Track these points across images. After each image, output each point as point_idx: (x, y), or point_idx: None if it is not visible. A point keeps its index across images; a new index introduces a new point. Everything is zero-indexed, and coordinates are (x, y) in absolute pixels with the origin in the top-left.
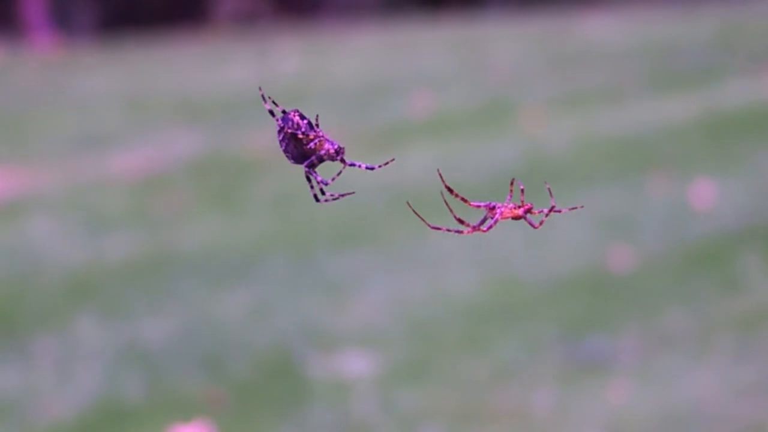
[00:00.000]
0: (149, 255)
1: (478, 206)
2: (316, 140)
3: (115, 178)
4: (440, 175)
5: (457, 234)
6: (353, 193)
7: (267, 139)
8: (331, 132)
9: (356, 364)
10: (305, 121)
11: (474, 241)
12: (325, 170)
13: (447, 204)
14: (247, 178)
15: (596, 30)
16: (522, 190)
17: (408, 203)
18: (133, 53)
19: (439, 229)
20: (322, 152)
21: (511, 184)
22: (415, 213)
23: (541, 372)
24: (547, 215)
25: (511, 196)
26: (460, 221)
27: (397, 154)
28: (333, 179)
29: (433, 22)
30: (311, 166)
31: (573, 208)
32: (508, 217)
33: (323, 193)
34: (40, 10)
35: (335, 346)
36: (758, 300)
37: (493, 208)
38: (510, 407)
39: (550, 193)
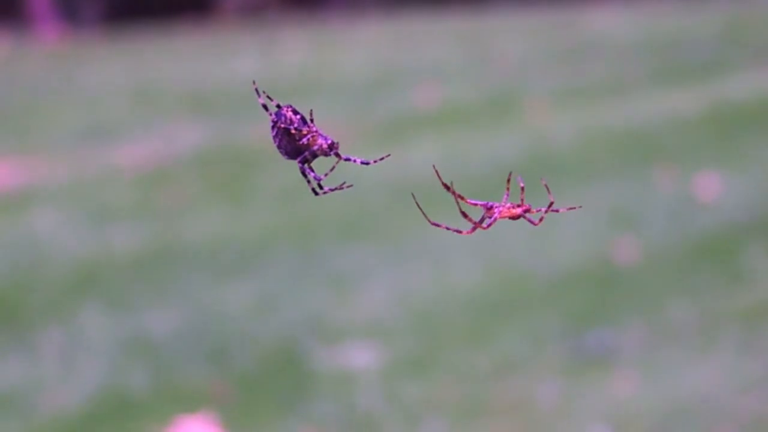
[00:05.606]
0: (155, 247)
1: (475, 204)
2: (309, 135)
3: (121, 169)
4: (436, 171)
5: (456, 233)
6: (351, 186)
7: None
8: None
9: (361, 357)
10: (298, 117)
11: (478, 234)
12: (323, 165)
13: (456, 199)
14: (253, 171)
15: (602, 23)
16: (522, 188)
17: (413, 196)
18: (139, 45)
19: (439, 226)
20: (315, 147)
21: (508, 181)
22: (419, 207)
23: (545, 365)
24: (545, 212)
25: (508, 194)
26: (465, 215)
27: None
28: (326, 174)
29: (439, 14)
30: (305, 162)
31: (571, 208)
32: (506, 217)
33: (321, 187)
34: (46, 2)
35: (340, 338)
36: (763, 293)
37: (491, 207)
38: (514, 400)
39: (548, 189)
